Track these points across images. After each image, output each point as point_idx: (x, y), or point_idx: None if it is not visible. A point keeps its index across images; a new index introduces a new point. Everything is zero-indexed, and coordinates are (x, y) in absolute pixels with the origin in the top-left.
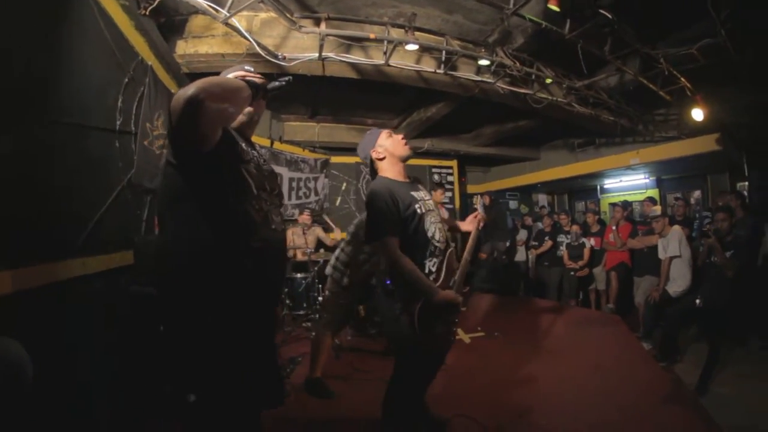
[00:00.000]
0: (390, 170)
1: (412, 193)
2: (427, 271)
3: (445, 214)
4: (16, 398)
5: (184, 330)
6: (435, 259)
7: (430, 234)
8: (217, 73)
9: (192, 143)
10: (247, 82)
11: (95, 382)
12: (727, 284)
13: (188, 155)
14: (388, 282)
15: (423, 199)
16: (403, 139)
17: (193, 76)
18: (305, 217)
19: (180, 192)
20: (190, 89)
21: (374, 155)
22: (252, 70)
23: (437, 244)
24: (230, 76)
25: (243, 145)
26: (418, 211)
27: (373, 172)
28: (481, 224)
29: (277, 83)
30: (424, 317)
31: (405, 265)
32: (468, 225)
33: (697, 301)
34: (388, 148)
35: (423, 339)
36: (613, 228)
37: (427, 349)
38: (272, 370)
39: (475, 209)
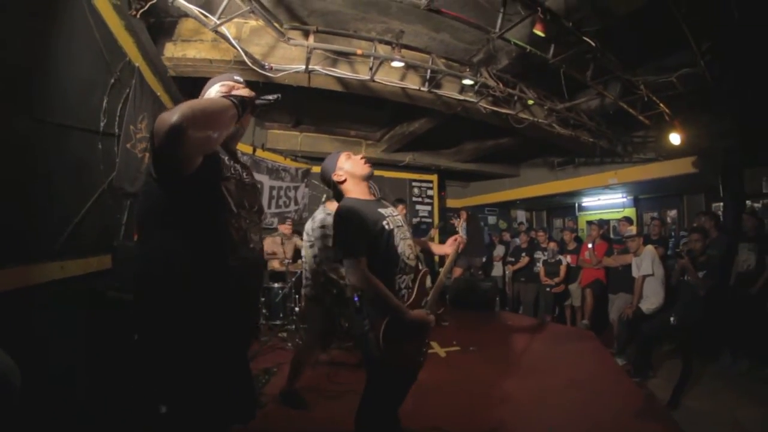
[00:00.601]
0: (354, 190)
1: (380, 210)
2: (396, 288)
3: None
4: (3, 408)
5: (157, 341)
6: (405, 276)
7: (399, 250)
8: (205, 79)
9: (173, 168)
10: (233, 100)
11: (71, 387)
12: (699, 302)
13: (168, 174)
14: (356, 299)
15: (391, 215)
16: (362, 158)
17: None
18: (285, 228)
19: (160, 204)
20: (174, 116)
21: (336, 179)
22: (241, 80)
23: (407, 261)
24: (217, 86)
25: (226, 159)
26: (386, 227)
27: (339, 194)
28: (461, 247)
29: (264, 100)
30: (391, 336)
31: (372, 285)
32: (446, 248)
33: (672, 318)
34: (348, 170)
35: (389, 357)
36: (589, 246)
37: (394, 368)
38: (245, 385)
39: (456, 231)
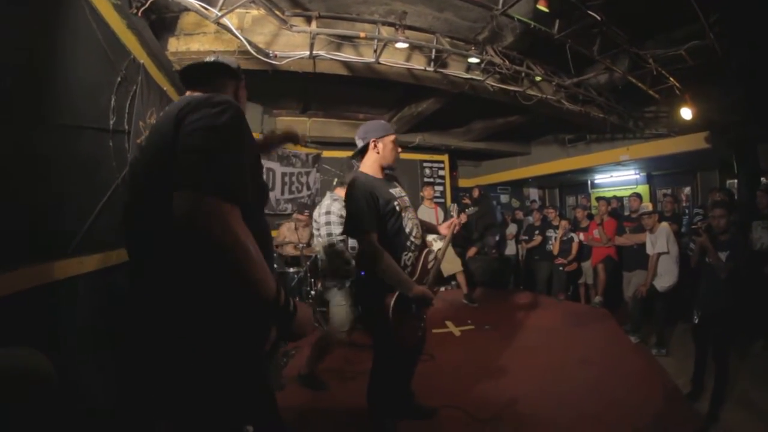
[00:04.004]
0: (372, 167)
1: (390, 190)
2: (402, 264)
3: (440, 214)
4: (38, 409)
5: (192, 335)
6: (411, 254)
7: (407, 230)
8: None
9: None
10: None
11: (97, 382)
12: (721, 288)
13: None
14: (363, 273)
15: (401, 195)
16: (399, 150)
17: None
18: (302, 217)
19: None
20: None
21: (372, 144)
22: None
23: (413, 240)
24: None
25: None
26: (397, 208)
27: (362, 152)
28: (456, 229)
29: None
30: (397, 309)
31: (385, 260)
32: (444, 229)
33: (695, 317)
34: (385, 151)
35: (395, 329)
36: (598, 224)
37: (398, 339)
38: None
39: (452, 215)
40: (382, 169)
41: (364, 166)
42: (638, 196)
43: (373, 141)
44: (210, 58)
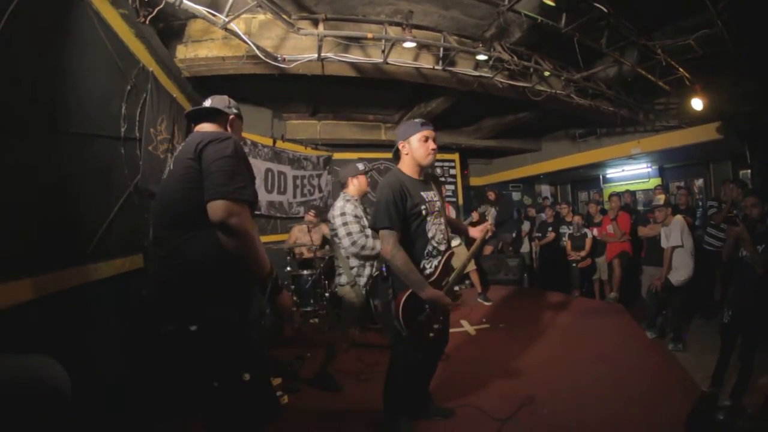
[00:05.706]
0: (408, 167)
1: (422, 193)
2: (422, 267)
3: (452, 212)
4: (53, 419)
5: (221, 330)
6: (432, 259)
7: (430, 235)
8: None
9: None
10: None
11: (111, 384)
12: (759, 283)
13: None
14: (383, 269)
15: (432, 200)
16: (433, 149)
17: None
18: (310, 217)
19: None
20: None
21: (400, 146)
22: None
23: (436, 245)
24: None
25: None
26: (423, 212)
27: (396, 156)
28: (489, 235)
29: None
30: (409, 308)
31: (399, 258)
32: (476, 232)
33: (725, 315)
34: (413, 150)
35: (405, 327)
36: (612, 219)
37: (410, 338)
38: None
39: (486, 220)
40: (420, 169)
41: (402, 165)
42: (661, 188)
43: (401, 144)
44: (206, 103)
